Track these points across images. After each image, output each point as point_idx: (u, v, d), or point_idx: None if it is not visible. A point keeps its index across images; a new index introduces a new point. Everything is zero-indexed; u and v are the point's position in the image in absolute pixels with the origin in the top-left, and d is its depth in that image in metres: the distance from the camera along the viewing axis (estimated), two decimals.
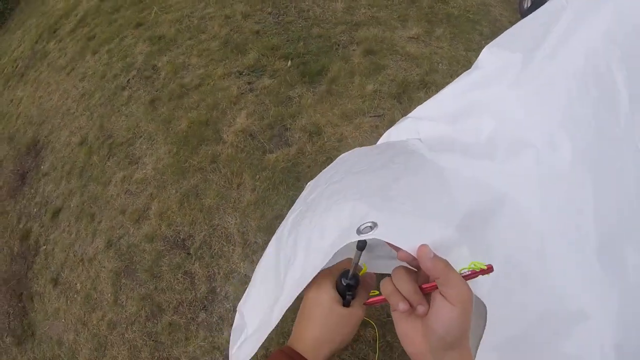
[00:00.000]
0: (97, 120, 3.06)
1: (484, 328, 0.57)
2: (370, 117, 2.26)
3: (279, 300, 0.73)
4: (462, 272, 0.48)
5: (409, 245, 0.50)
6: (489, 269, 0.48)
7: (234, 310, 1.89)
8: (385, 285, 0.51)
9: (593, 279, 0.63)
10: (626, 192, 0.69)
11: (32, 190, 3.13)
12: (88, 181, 2.75)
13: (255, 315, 0.91)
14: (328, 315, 0.57)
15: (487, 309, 0.56)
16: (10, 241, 3.00)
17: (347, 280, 0.60)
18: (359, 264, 0.59)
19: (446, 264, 0.46)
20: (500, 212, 0.68)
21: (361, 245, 0.55)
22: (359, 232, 0.57)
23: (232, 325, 1.89)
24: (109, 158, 2.74)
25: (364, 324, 1.70)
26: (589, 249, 0.65)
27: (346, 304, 0.60)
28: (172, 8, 3.76)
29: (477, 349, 0.59)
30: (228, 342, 1.83)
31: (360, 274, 0.61)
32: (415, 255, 0.48)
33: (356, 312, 0.59)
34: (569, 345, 0.60)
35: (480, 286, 0.57)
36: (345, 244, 0.59)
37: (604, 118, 0.72)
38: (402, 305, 0.48)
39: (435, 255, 0.47)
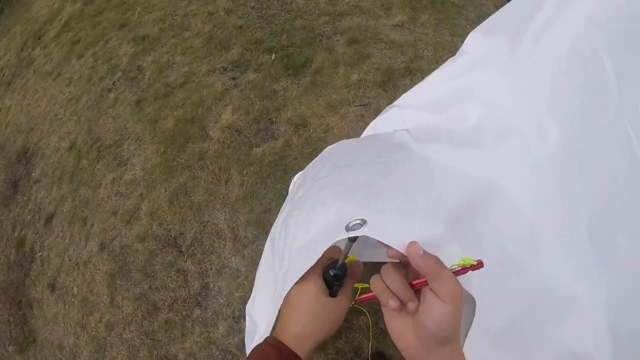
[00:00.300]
0: (84, 124, 3.05)
1: (472, 320, 0.57)
2: (356, 106, 2.26)
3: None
4: (452, 268, 0.48)
5: (398, 242, 0.50)
6: (479, 265, 0.48)
7: (228, 305, 1.91)
8: (375, 282, 0.51)
9: (585, 266, 0.63)
10: (615, 179, 0.68)
11: (24, 198, 3.12)
12: (79, 185, 2.74)
13: (264, 316, 0.93)
14: (314, 306, 0.56)
15: (480, 297, 0.56)
16: (6, 250, 3.00)
17: (335, 271, 0.59)
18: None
19: (436, 260, 0.46)
20: (490, 201, 0.68)
21: (353, 237, 0.54)
22: (347, 228, 0.57)
23: (226, 320, 1.92)
24: (98, 161, 2.73)
25: (357, 312, 1.71)
26: (580, 237, 0.64)
27: (333, 294, 0.59)
28: (155, 7, 3.73)
29: (465, 339, 0.59)
30: (224, 336, 1.85)
31: (346, 261, 0.60)
32: (404, 253, 0.48)
33: (343, 301, 0.59)
34: (561, 332, 0.61)
35: (470, 277, 0.56)
36: (334, 241, 0.59)
37: (591, 104, 0.71)
38: (393, 303, 0.48)
39: (425, 252, 0.47)
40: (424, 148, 0.84)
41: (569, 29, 0.75)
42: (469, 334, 0.59)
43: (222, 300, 1.91)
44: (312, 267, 0.60)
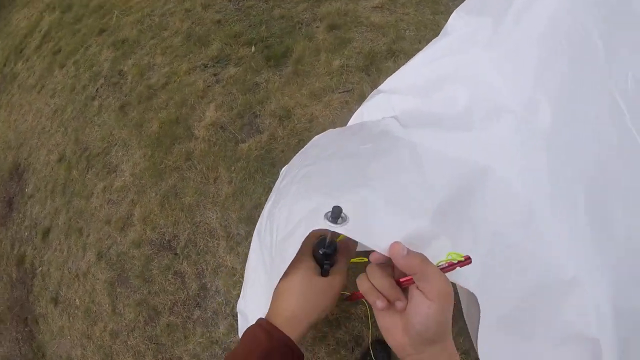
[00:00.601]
0: (72, 135, 3.02)
1: (479, 315, 0.57)
2: (340, 93, 2.22)
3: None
4: (439, 264, 0.47)
5: (382, 244, 0.49)
6: (467, 261, 0.46)
7: (227, 304, 1.90)
8: (361, 281, 0.50)
9: (584, 246, 0.62)
10: (609, 147, 0.67)
11: (20, 215, 3.12)
12: (71, 197, 2.73)
13: (262, 307, 0.91)
14: (306, 287, 0.55)
15: (480, 288, 0.56)
16: (7, 268, 3.01)
17: (324, 249, 0.57)
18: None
19: (421, 259, 0.45)
20: (482, 187, 0.65)
21: (336, 213, 0.51)
22: (326, 217, 0.55)
23: (226, 318, 1.91)
24: (87, 170, 2.71)
25: (354, 301, 1.70)
26: (577, 213, 0.63)
27: (324, 273, 0.57)
28: (132, 9, 3.67)
29: (476, 334, 0.59)
30: (225, 335, 1.85)
31: (338, 239, 0.58)
32: (387, 255, 0.47)
33: (336, 280, 0.57)
34: (564, 315, 0.60)
35: (468, 268, 0.55)
36: (311, 230, 0.56)
37: (579, 75, 0.70)
38: (380, 303, 0.47)
39: (409, 252, 0.45)
40: (411, 133, 0.81)
41: (551, 4, 0.74)
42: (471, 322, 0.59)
43: (220, 299, 1.90)
44: (301, 248, 0.57)
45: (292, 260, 0.56)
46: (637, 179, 0.65)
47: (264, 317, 0.57)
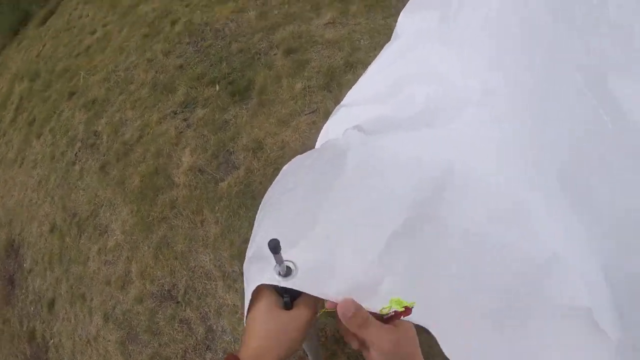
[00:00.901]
0: (59, 203, 3.06)
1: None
2: (306, 115, 2.28)
3: None
4: (384, 312, 0.50)
5: (331, 292, 0.52)
6: (407, 312, 0.49)
7: (235, 342, 1.93)
8: (339, 325, 0.53)
9: (563, 222, 0.62)
10: (578, 121, 0.67)
11: (23, 291, 3.13)
12: (69, 265, 2.76)
13: None
14: (268, 321, 0.54)
15: (464, 285, 0.58)
16: (20, 346, 3.00)
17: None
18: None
19: (362, 322, 0.49)
20: (450, 184, 0.64)
21: (273, 245, 0.50)
22: (275, 270, 0.56)
23: None
24: (80, 236, 2.75)
25: None
26: (553, 191, 0.63)
27: (287, 306, 0.56)
28: (97, 68, 3.75)
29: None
30: None
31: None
32: (337, 303, 0.51)
33: (301, 313, 0.55)
34: (550, 295, 0.60)
35: (448, 266, 0.59)
36: (259, 284, 0.57)
37: (534, 53, 0.71)
38: (354, 344, 0.52)
39: (353, 314, 0.49)
40: (374, 140, 0.80)
41: (484, 3, 0.77)
42: (468, 321, 0.60)
43: (228, 338, 1.93)
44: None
45: (256, 296, 0.57)
46: (613, 153, 0.65)
47: None
